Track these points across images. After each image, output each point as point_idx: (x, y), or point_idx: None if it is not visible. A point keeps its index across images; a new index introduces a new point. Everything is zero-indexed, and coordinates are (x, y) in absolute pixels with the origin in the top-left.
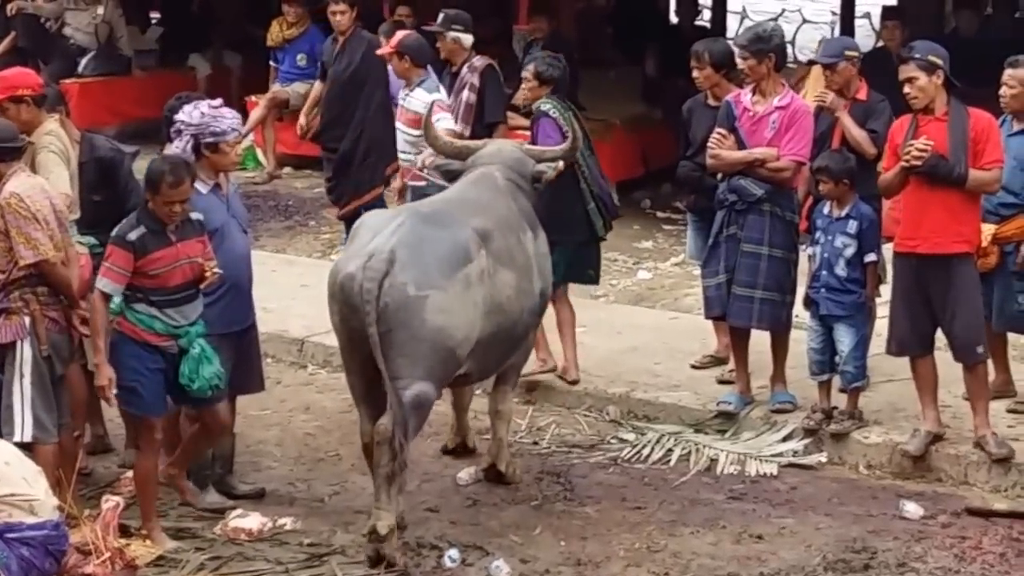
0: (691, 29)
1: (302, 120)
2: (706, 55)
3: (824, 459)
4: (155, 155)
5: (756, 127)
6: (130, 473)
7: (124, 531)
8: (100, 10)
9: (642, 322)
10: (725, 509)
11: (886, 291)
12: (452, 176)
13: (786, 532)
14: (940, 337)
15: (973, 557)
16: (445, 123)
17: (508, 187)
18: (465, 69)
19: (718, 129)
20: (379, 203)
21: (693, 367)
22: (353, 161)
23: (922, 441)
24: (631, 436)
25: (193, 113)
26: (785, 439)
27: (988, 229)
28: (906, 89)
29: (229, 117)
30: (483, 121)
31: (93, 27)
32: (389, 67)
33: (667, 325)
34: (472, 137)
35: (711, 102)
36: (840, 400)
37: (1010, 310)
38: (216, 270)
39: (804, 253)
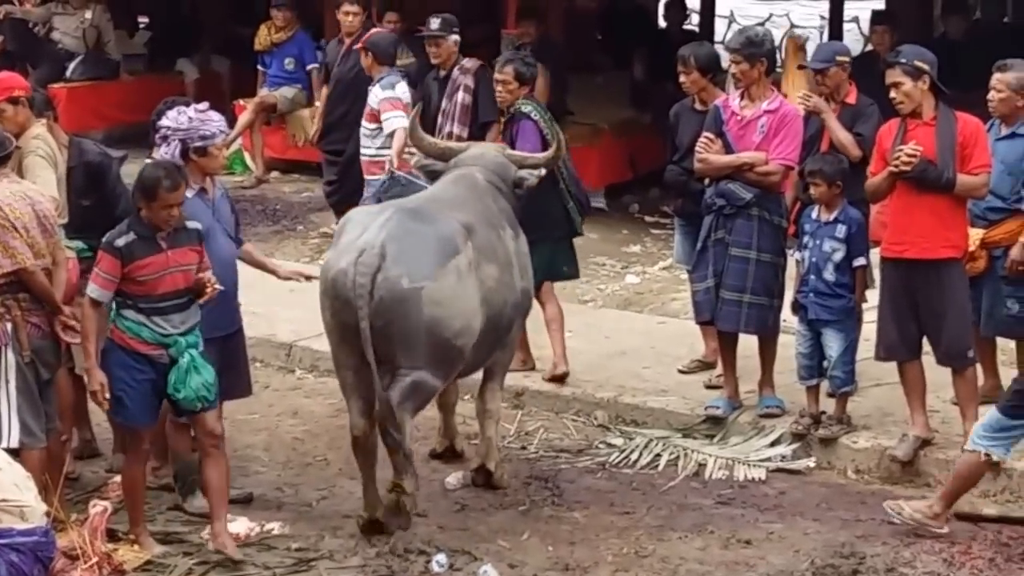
0: (679, 33)
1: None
2: (692, 60)
3: (812, 464)
4: (144, 159)
5: (744, 131)
6: (118, 478)
7: (112, 536)
8: (88, 14)
9: (630, 326)
10: (713, 514)
11: (873, 296)
12: (435, 176)
13: (774, 537)
14: (927, 342)
15: (962, 562)
16: (396, 121)
17: (488, 188)
18: (456, 71)
19: (705, 133)
20: None
21: (681, 372)
22: (356, 163)
23: (911, 446)
24: (619, 441)
25: (180, 118)
26: (773, 444)
27: (976, 233)
28: (892, 94)
29: (216, 120)
30: (479, 121)
31: (81, 31)
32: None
33: (655, 330)
34: (469, 137)
35: (698, 107)
36: (828, 405)
37: (999, 315)
38: (217, 286)
39: (792, 258)
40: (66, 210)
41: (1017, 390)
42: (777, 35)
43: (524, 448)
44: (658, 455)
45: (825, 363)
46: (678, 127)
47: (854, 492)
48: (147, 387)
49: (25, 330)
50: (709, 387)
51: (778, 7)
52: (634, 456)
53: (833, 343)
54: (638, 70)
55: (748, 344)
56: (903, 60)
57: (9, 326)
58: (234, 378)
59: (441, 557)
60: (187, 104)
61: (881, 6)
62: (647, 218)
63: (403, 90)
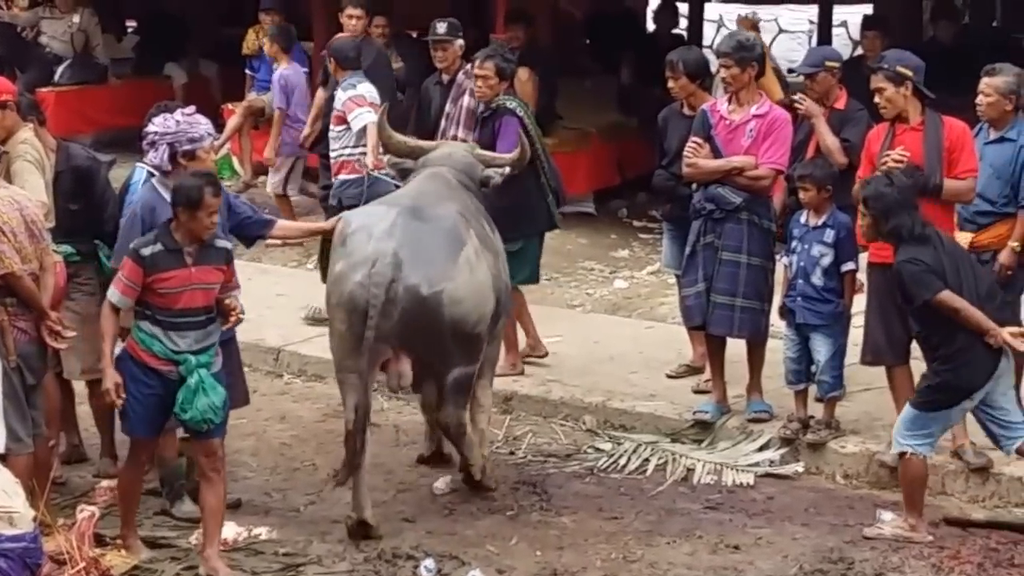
0: (667, 38)
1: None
2: (680, 65)
3: (801, 469)
4: (134, 163)
5: (733, 135)
6: (105, 483)
7: (99, 541)
8: (76, 18)
9: (618, 331)
10: (702, 519)
11: (859, 301)
12: (405, 174)
13: (763, 542)
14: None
15: (951, 567)
16: (365, 117)
17: (459, 187)
18: (462, 76)
19: (693, 138)
20: None
21: (669, 376)
22: None
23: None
24: (607, 446)
25: (168, 123)
26: (762, 449)
27: (965, 238)
28: (876, 99)
29: (203, 123)
30: None
31: (69, 35)
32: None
33: (643, 334)
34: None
35: (686, 111)
36: (817, 409)
37: None
38: (240, 315)
39: (780, 262)
40: (54, 214)
41: (928, 385)
42: (767, 39)
43: (512, 453)
44: (646, 460)
45: (813, 368)
46: (666, 131)
47: (842, 497)
48: (153, 401)
49: (12, 335)
50: (697, 392)
51: (767, 12)
52: (622, 461)
53: (821, 348)
54: (626, 74)
55: (736, 349)
56: (885, 66)
57: None
58: (229, 388)
59: (429, 562)
60: (175, 108)
61: (870, 11)
62: (635, 223)
63: (366, 89)
